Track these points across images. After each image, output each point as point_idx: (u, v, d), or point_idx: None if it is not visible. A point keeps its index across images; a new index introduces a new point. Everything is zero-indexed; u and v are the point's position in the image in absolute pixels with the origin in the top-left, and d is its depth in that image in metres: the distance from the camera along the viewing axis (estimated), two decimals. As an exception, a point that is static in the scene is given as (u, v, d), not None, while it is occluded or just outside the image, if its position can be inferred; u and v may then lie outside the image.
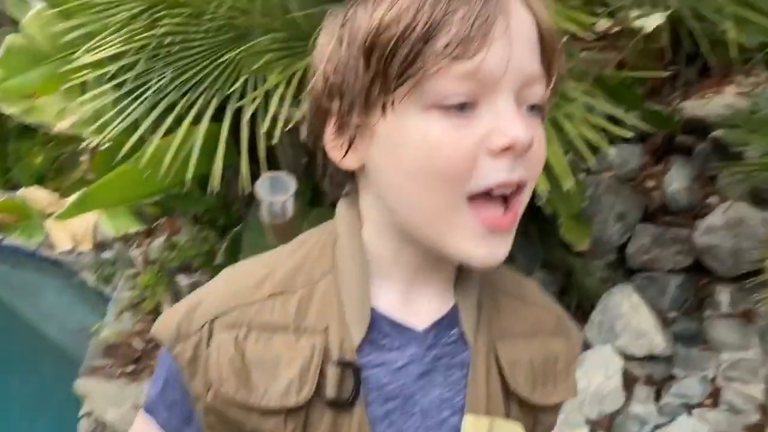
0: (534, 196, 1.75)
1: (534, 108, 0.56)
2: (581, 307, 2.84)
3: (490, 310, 0.64)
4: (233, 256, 2.47)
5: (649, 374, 2.58)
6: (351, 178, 0.62)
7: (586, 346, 2.64)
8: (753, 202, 2.82)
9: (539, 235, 2.88)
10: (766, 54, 2.41)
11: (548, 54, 0.56)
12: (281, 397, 0.55)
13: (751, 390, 2.43)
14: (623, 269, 3.00)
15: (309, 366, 0.56)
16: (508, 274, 0.70)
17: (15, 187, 5.08)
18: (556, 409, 0.67)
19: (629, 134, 1.79)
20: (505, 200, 0.55)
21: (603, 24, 2.97)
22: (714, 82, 3.39)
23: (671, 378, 2.58)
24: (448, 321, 0.62)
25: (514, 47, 0.52)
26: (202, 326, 0.58)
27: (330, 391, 0.56)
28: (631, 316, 2.62)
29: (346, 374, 0.56)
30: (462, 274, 0.64)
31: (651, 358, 2.58)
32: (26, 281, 5.49)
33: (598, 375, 2.44)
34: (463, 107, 0.52)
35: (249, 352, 0.57)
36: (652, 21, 3.01)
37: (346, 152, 0.58)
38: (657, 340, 2.56)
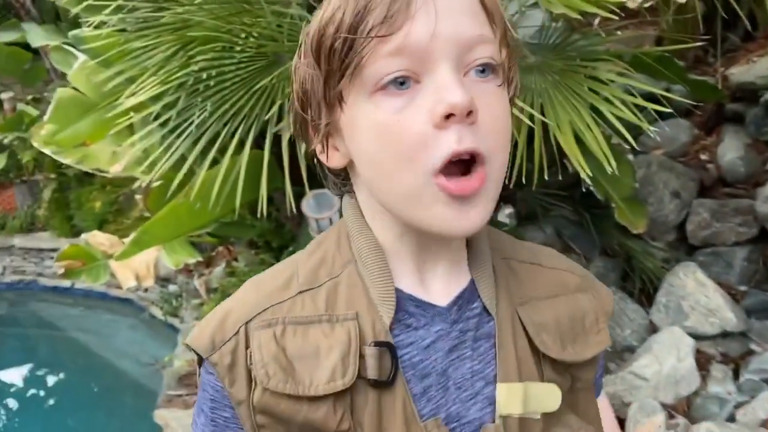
0: (579, 181, 1.73)
1: (486, 70, 0.56)
2: (645, 291, 2.78)
3: (507, 279, 0.65)
4: (290, 276, 2.50)
5: (723, 352, 2.49)
6: (344, 175, 0.65)
7: (654, 329, 2.58)
8: (815, 162, 2.71)
9: (593, 222, 2.83)
10: (808, 9, 2.31)
11: (489, 11, 0.57)
12: (327, 383, 0.57)
13: (836, 358, 2.32)
14: (684, 247, 2.92)
15: (348, 351, 0.58)
16: (521, 244, 0.71)
17: (79, 233, 5.32)
18: (592, 363, 0.67)
19: (670, 110, 1.75)
20: (467, 171, 0.55)
21: (635, 1, 2.91)
22: (759, 45, 3.27)
23: (749, 353, 2.49)
24: (468, 295, 0.64)
25: (440, 15, 0.53)
26: (237, 331, 0.60)
27: (371, 372, 0.58)
28: (698, 295, 2.54)
29: (384, 354, 0.58)
30: (473, 250, 0.65)
31: (724, 335, 2.50)
32: (100, 322, 5.71)
33: (669, 357, 2.37)
34: (403, 83, 0.54)
35: (289, 347, 0.59)
36: (685, -9, 2.93)
37: (329, 153, 0.62)
38: (728, 316, 2.48)
